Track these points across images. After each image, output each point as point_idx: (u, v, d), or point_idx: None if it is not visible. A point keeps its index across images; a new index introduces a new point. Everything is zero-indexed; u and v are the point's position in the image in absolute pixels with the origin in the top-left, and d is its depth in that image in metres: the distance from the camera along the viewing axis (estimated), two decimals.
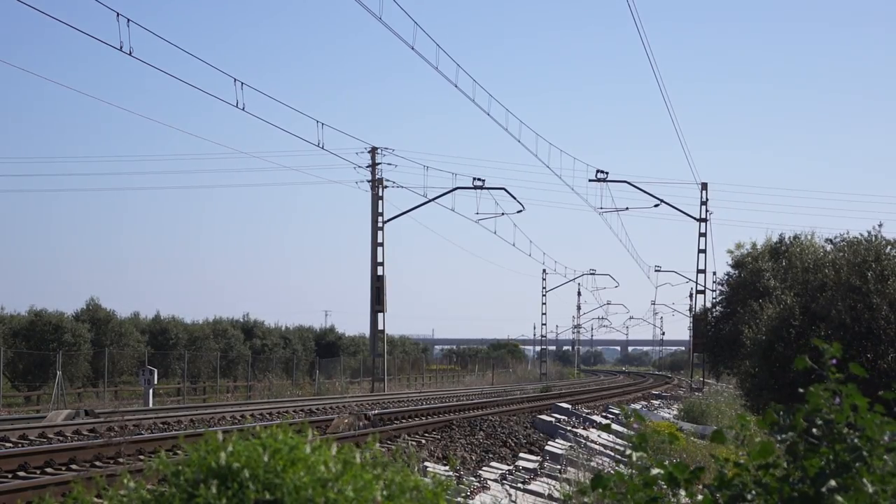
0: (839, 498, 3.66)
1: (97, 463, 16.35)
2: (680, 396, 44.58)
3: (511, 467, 15.16)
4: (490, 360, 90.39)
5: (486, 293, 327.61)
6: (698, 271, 53.74)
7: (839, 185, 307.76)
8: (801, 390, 4.02)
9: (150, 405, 33.71)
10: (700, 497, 3.99)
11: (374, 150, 51.79)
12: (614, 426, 21.67)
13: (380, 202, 50.93)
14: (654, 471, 4.11)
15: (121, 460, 16.05)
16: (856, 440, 3.77)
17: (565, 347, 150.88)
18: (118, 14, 22.43)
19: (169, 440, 17.44)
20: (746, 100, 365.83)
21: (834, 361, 3.97)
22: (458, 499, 6.33)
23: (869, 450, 3.74)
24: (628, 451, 4.23)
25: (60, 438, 20.24)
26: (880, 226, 21.46)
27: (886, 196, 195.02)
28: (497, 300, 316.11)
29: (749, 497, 3.85)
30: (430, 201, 50.45)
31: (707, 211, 53.83)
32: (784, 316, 20.34)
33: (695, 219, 53.60)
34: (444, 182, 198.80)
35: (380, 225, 50.61)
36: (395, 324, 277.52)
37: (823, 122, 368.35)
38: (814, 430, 3.85)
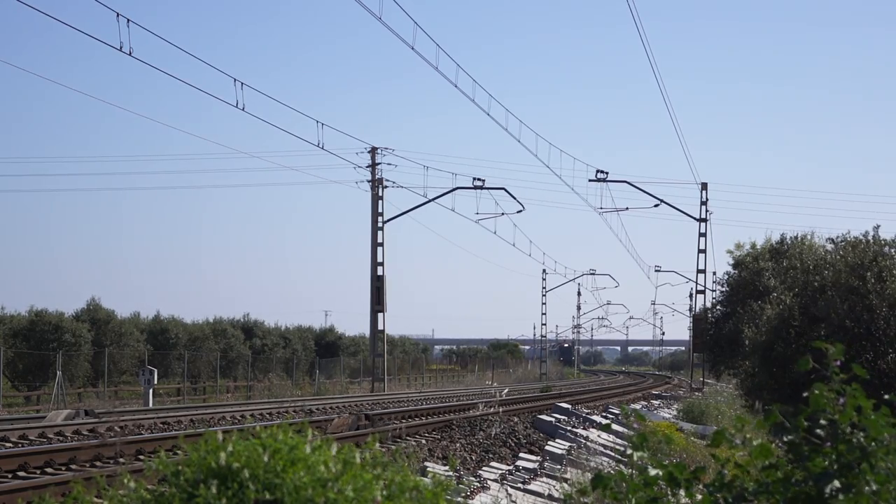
0: (842, 498, 3.67)
1: (97, 463, 16.35)
2: (680, 396, 44.58)
3: (511, 467, 15.16)
4: (490, 360, 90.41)
5: (486, 293, 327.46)
6: (698, 271, 53.74)
7: (839, 185, 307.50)
8: (805, 394, 4.03)
9: (150, 405, 33.71)
10: (700, 497, 4.00)
11: (374, 150, 51.80)
12: (614, 426, 21.68)
13: (380, 202, 50.94)
14: (654, 471, 4.11)
15: (121, 460, 16.06)
16: (861, 440, 3.78)
17: (565, 345, 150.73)
18: (118, 14, 22.45)
19: (169, 440, 17.44)
20: (746, 100, 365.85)
21: (838, 363, 3.98)
22: (458, 499, 6.33)
23: (873, 450, 3.75)
24: (629, 451, 4.23)
25: (60, 438, 20.25)
26: (877, 228, 21.50)
27: (886, 196, 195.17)
28: (497, 300, 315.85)
29: (750, 497, 3.86)
30: (430, 201, 50.50)
31: (707, 211, 53.85)
32: (784, 316, 20.36)
33: (695, 219, 53.62)
34: (444, 182, 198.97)
35: (380, 225, 50.62)
36: (395, 324, 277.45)
37: (823, 122, 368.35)
38: (818, 430, 3.85)
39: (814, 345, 4.21)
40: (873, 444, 3.76)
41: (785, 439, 3.90)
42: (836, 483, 3.70)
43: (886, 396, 4.09)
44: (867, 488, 3.69)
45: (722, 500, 3.92)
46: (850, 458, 3.74)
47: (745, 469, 3.96)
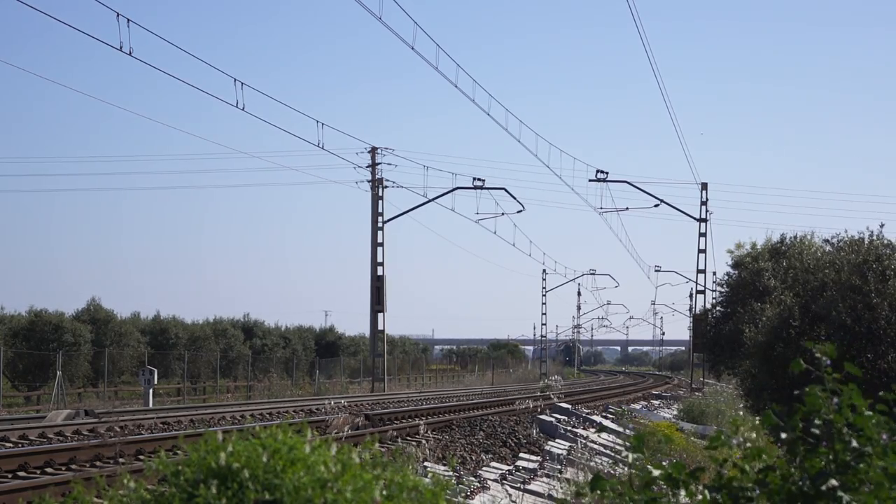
0: (842, 495, 3.67)
1: (97, 463, 16.35)
2: (680, 396, 44.58)
3: (511, 467, 15.16)
4: (490, 360, 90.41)
5: (486, 293, 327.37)
6: (698, 271, 53.74)
7: (839, 185, 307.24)
8: (796, 392, 4.03)
9: (150, 405, 33.71)
10: (700, 497, 3.99)
11: (374, 150, 51.80)
12: (615, 426, 21.68)
13: (380, 202, 50.94)
14: (656, 471, 4.11)
15: (121, 460, 16.06)
16: (854, 441, 3.78)
17: (571, 345, 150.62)
18: (118, 14, 22.45)
19: (169, 440, 17.44)
20: (746, 100, 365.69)
21: (829, 363, 3.98)
22: (458, 499, 6.33)
23: (868, 449, 3.75)
24: (624, 453, 4.23)
25: (60, 438, 20.24)
26: (882, 226, 21.48)
27: (886, 196, 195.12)
28: (497, 300, 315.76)
29: (750, 496, 3.86)
30: (430, 201, 50.50)
31: (707, 211, 53.84)
32: (784, 316, 20.35)
33: (695, 219, 53.62)
34: (444, 182, 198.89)
35: (380, 225, 50.62)
36: (395, 324, 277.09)
37: (823, 122, 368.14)
38: (813, 430, 3.86)
39: (805, 345, 4.21)
40: (869, 444, 3.76)
41: (783, 437, 3.90)
42: (833, 482, 3.70)
43: (881, 394, 4.10)
44: (864, 488, 3.69)
45: (721, 500, 3.92)
46: (846, 458, 3.74)
47: (744, 469, 3.96)
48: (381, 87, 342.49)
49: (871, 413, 3.85)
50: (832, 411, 3.86)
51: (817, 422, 3.86)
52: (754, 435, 4.06)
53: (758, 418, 4.31)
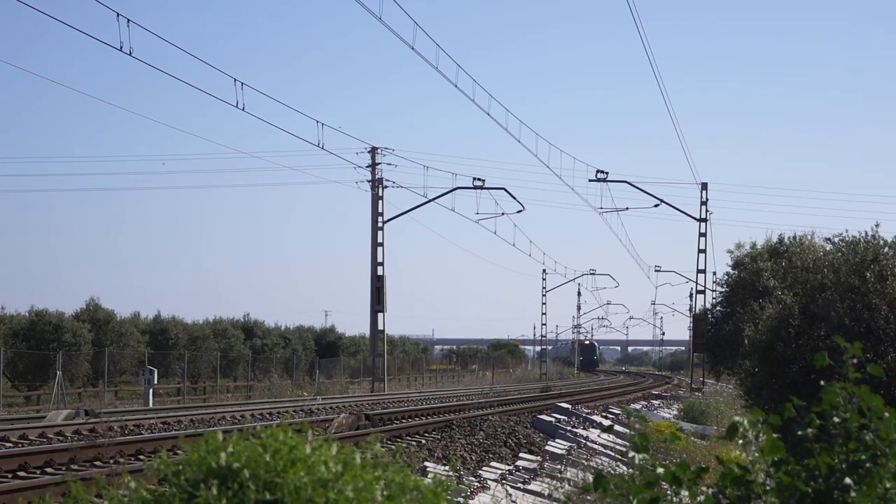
0: (854, 495, 3.68)
1: (97, 463, 16.35)
2: (680, 396, 44.57)
3: (511, 467, 15.15)
4: (490, 360, 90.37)
5: (486, 293, 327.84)
6: (698, 271, 53.71)
7: (839, 185, 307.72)
8: (822, 383, 4.03)
9: (151, 405, 33.70)
10: (702, 498, 3.99)
11: (374, 150, 51.77)
12: (618, 427, 21.67)
13: (380, 202, 50.91)
14: (660, 469, 4.11)
15: (121, 460, 16.06)
16: (874, 439, 3.79)
17: (586, 343, 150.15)
18: (118, 14, 22.45)
19: (169, 440, 17.44)
20: (746, 100, 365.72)
21: (854, 361, 3.99)
22: (459, 499, 6.32)
23: (885, 449, 3.76)
24: (631, 454, 4.22)
25: (60, 438, 20.24)
26: (877, 226, 21.47)
27: (886, 196, 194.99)
28: (497, 300, 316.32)
29: (757, 496, 3.86)
30: (430, 201, 50.47)
31: (707, 211, 53.79)
32: (783, 316, 20.33)
33: (695, 219, 53.58)
34: (444, 182, 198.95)
35: (380, 225, 50.59)
36: (395, 324, 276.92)
37: (823, 122, 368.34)
38: (831, 428, 3.86)
39: (834, 339, 4.20)
40: (886, 444, 3.77)
41: (800, 434, 3.89)
42: (847, 480, 3.71)
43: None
44: (879, 487, 3.70)
45: (727, 499, 3.91)
46: (860, 457, 3.74)
47: (749, 470, 3.95)
48: (381, 87, 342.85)
49: (891, 413, 3.85)
50: (850, 410, 3.86)
51: (835, 420, 3.87)
52: (759, 432, 4.05)
53: (754, 417, 4.29)
